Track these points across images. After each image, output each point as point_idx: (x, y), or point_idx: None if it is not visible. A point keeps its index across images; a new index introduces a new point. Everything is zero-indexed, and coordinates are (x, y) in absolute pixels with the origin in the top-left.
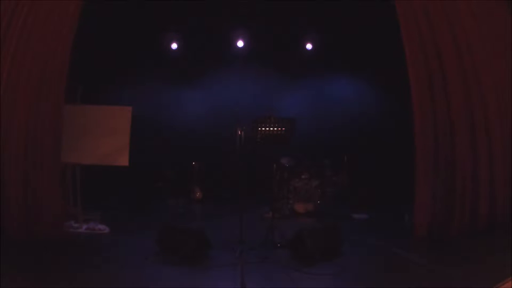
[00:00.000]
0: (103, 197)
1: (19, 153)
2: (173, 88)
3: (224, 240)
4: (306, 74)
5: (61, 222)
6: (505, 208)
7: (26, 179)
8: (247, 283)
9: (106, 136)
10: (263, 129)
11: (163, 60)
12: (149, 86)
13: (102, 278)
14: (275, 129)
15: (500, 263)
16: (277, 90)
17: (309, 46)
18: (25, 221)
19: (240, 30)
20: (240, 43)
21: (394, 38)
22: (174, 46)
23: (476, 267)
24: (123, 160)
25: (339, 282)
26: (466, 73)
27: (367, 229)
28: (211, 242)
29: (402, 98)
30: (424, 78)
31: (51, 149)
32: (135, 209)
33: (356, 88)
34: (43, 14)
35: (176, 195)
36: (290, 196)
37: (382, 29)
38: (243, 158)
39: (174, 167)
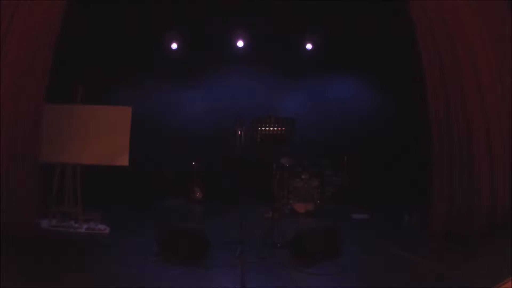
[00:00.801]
0: (103, 197)
1: None
2: (173, 88)
3: (224, 240)
4: (306, 74)
5: (37, 220)
6: (505, 208)
7: (3, 176)
8: (247, 283)
9: (106, 136)
10: (263, 129)
11: (163, 60)
12: (149, 86)
13: (102, 278)
14: (275, 129)
15: (500, 263)
16: (277, 90)
17: (309, 46)
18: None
19: (240, 30)
20: (240, 43)
21: (394, 38)
22: (174, 46)
23: (476, 267)
24: (123, 160)
25: (339, 282)
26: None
27: (367, 229)
28: (211, 242)
29: (402, 98)
30: (438, 78)
31: (29, 147)
32: (135, 209)
33: (356, 88)
34: (25, 14)
35: (176, 195)
36: (290, 196)
37: (382, 29)
38: (243, 158)
39: (174, 167)
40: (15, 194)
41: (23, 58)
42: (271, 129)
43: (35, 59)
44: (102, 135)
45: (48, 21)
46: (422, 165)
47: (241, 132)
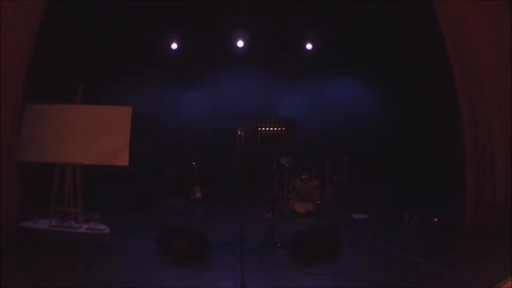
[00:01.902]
0: (103, 197)
1: None
2: (173, 88)
3: (224, 240)
4: (306, 74)
5: (14, 218)
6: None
7: None
8: (247, 283)
9: (106, 136)
10: (263, 129)
11: (163, 60)
12: (149, 86)
13: (102, 278)
14: (275, 129)
15: (500, 263)
16: (277, 90)
17: (309, 46)
18: None
19: (240, 30)
20: (240, 43)
21: (394, 37)
22: (174, 46)
23: (476, 267)
24: (123, 160)
25: (339, 282)
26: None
27: (367, 229)
28: (211, 242)
29: (402, 98)
30: (466, 80)
31: (6, 146)
32: (135, 209)
33: (356, 88)
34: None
35: (176, 195)
36: (290, 196)
37: (382, 29)
38: (243, 158)
39: (174, 167)
40: None
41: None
42: (271, 129)
43: (12, 59)
44: (102, 135)
45: (26, 22)
46: (423, 165)
47: (241, 132)
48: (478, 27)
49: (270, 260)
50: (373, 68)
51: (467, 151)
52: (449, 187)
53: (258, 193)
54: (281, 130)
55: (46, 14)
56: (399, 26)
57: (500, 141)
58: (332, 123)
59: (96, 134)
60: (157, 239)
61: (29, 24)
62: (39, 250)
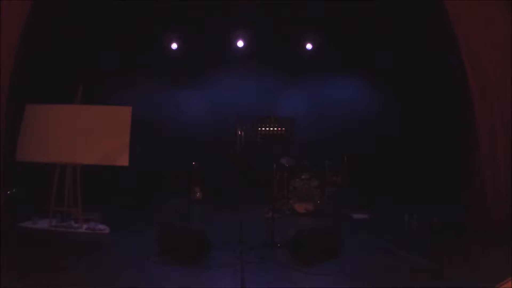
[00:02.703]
0: (103, 197)
1: None
2: (173, 88)
3: (224, 240)
4: (306, 74)
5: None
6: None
7: None
8: (247, 283)
9: (106, 136)
10: (263, 129)
11: (163, 60)
12: (149, 86)
13: (102, 278)
14: (275, 129)
15: (500, 263)
16: (277, 90)
17: (309, 46)
18: None
19: (240, 30)
20: (240, 43)
21: (394, 37)
22: (174, 46)
23: (476, 267)
24: (123, 160)
25: (339, 282)
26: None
27: (367, 229)
28: (211, 242)
29: (402, 98)
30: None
31: None
32: (135, 209)
33: (356, 88)
34: None
35: (176, 195)
36: (290, 196)
37: (381, 29)
38: (243, 158)
39: (174, 167)
40: None
41: None
42: (271, 129)
43: None
44: (102, 135)
45: (10, 23)
46: (423, 165)
47: (241, 132)
48: (481, 26)
49: (270, 260)
50: (373, 68)
51: (482, 150)
52: (449, 186)
53: (258, 193)
54: (281, 130)
55: (46, 14)
56: (399, 26)
57: (501, 141)
58: (332, 123)
59: (96, 134)
60: (157, 239)
61: (14, 25)
62: (39, 250)
